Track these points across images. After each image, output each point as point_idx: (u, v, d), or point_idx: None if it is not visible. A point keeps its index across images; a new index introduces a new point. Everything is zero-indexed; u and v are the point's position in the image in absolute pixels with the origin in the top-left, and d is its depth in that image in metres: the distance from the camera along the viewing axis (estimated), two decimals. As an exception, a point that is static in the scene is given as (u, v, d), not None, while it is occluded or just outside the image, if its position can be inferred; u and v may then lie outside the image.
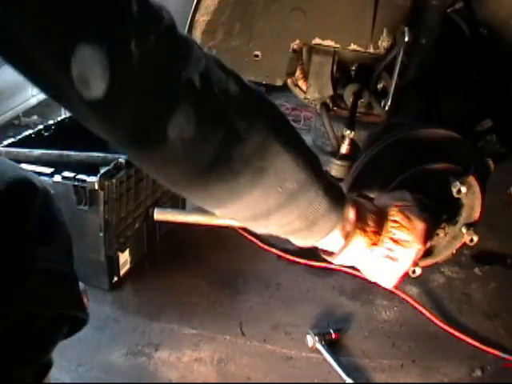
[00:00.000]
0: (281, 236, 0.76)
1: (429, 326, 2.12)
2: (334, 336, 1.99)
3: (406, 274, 0.90)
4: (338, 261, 0.90)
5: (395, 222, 0.82)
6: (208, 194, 0.66)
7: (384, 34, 1.69)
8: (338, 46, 1.73)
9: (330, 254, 0.90)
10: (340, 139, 1.69)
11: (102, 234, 2.01)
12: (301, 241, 0.80)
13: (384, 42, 1.70)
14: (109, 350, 1.94)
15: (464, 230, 1.36)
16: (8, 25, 0.52)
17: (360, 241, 0.82)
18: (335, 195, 0.75)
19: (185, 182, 0.66)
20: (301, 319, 2.14)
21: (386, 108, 1.70)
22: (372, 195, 1.18)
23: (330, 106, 1.98)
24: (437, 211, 1.22)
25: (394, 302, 2.26)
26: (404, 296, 2.27)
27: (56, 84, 0.58)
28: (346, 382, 1.80)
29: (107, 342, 1.96)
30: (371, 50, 1.71)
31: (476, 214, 1.39)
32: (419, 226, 0.84)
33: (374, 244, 0.82)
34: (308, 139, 4.32)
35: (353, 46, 1.71)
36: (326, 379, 1.85)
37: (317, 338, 1.95)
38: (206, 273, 2.43)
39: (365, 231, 0.81)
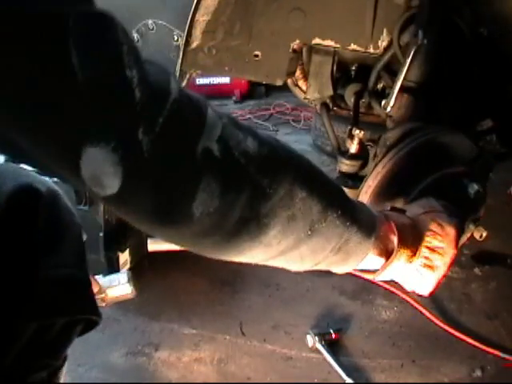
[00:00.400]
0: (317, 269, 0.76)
1: (429, 326, 2.12)
2: (334, 336, 1.99)
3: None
4: (380, 278, 0.87)
5: (430, 231, 0.85)
6: (241, 252, 0.69)
7: (384, 34, 1.69)
8: (338, 45, 1.72)
9: (371, 271, 0.87)
10: (347, 138, 1.68)
11: (101, 234, 2.01)
12: (338, 270, 0.80)
13: (384, 42, 1.70)
14: (109, 349, 1.94)
15: (472, 227, 1.36)
16: (12, 139, 0.50)
17: (402, 256, 0.83)
18: (365, 221, 0.75)
19: (218, 249, 0.71)
20: (301, 319, 2.14)
21: (387, 108, 1.70)
22: (398, 205, 1.18)
23: (330, 106, 1.98)
24: (461, 215, 1.23)
25: (394, 302, 2.26)
26: (404, 296, 2.27)
27: (73, 183, 0.57)
28: (346, 382, 1.80)
29: (107, 342, 1.96)
30: (371, 49, 1.71)
31: (481, 211, 1.40)
32: (451, 232, 0.87)
33: (413, 256, 0.85)
34: (308, 139, 4.32)
35: (353, 46, 1.71)
36: (325, 379, 1.85)
37: (317, 338, 1.95)
38: (206, 272, 2.43)
39: (405, 246, 0.82)
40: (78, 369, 1.85)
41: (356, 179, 1.60)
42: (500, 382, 1.87)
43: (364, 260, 0.77)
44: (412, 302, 2.24)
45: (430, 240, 0.86)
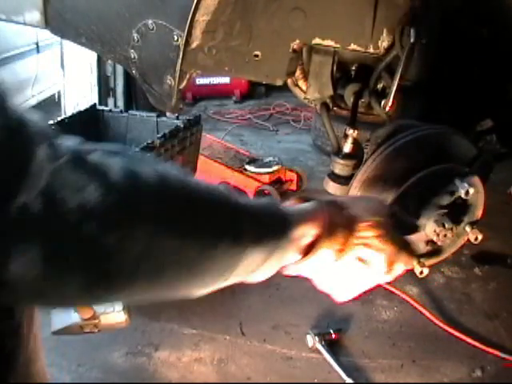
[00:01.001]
0: None
1: (429, 326, 2.12)
2: (334, 336, 1.99)
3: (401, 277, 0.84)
4: (291, 271, 0.75)
5: (362, 238, 0.74)
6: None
7: (384, 34, 1.69)
8: (338, 45, 1.72)
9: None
10: (342, 138, 1.69)
11: (101, 234, 2.01)
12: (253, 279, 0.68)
13: (384, 42, 1.70)
14: (109, 349, 1.94)
15: (468, 229, 1.36)
16: None
17: (324, 253, 0.72)
18: (270, 231, 0.64)
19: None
20: (301, 319, 2.14)
21: (387, 108, 1.70)
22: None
23: (330, 106, 1.98)
24: (415, 225, 1.23)
25: (394, 302, 2.26)
26: (404, 296, 2.28)
27: None
28: (346, 381, 1.80)
29: (107, 342, 1.96)
30: (371, 49, 1.71)
31: (479, 213, 1.39)
32: (387, 249, 0.75)
33: (342, 251, 0.73)
34: (308, 139, 4.33)
35: (353, 46, 1.71)
36: (325, 379, 1.85)
37: (317, 338, 1.95)
38: (206, 273, 2.43)
39: (330, 244, 0.72)
40: (78, 369, 1.85)
41: (349, 178, 1.60)
42: (500, 382, 1.87)
43: (280, 264, 0.69)
44: (412, 302, 2.24)
45: (359, 248, 0.74)
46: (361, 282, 0.79)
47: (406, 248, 0.78)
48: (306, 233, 0.70)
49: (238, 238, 0.58)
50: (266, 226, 0.64)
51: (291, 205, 0.75)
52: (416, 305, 2.22)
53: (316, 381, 1.85)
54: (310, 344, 1.97)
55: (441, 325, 2.10)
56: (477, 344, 1.99)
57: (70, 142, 0.52)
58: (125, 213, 0.49)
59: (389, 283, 2.35)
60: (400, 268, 0.78)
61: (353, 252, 0.74)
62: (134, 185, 0.51)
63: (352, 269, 0.75)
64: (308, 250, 0.71)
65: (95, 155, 0.50)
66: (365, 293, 0.82)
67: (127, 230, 0.49)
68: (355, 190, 1.39)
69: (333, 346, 1.96)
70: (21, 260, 0.45)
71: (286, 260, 0.69)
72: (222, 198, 0.59)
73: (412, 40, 1.52)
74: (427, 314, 2.17)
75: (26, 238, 0.45)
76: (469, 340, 2.01)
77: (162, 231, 0.52)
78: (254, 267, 0.63)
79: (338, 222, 0.72)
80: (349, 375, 1.81)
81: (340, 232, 0.72)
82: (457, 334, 2.05)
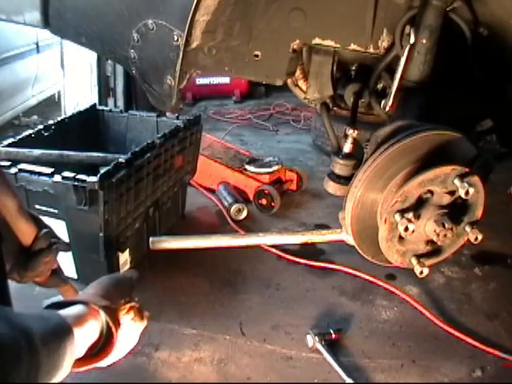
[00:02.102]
0: None
1: (429, 326, 2.12)
2: (334, 336, 1.99)
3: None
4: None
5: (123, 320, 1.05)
6: None
7: (384, 34, 1.69)
8: (338, 45, 1.73)
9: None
10: (342, 138, 1.69)
11: (101, 234, 2.01)
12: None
13: (384, 42, 1.70)
14: (109, 350, 1.94)
15: (468, 229, 1.36)
16: None
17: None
18: (56, 343, 0.83)
19: None
20: (301, 319, 2.14)
21: (387, 108, 1.70)
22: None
23: (330, 106, 1.98)
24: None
25: (394, 302, 2.26)
26: (404, 296, 2.28)
27: None
28: (346, 381, 1.80)
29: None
30: (371, 49, 1.71)
31: (479, 213, 1.40)
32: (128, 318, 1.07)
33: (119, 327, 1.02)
34: (308, 139, 4.33)
35: (353, 46, 1.71)
36: (325, 379, 1.85)
37: (317, 338, 1.95)
38: (206, 273, 2.43)
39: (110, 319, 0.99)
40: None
41: (349, 177, 1.60)
42: (500, 382, 1.87)
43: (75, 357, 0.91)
44: (412, 302, 2.24)
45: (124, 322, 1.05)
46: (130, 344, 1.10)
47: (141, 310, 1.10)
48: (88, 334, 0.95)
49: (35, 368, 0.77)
50: (56, 349, 0.84)
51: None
52: (416, 305, 2.22)
53: (316, 381, 1.85)
54: (310, 344, 1.97)
55: (441, 325, 2.10)
56: (477, 344, 1.99)
57: None
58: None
59: (389, 283, 2.35)
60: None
61: (124, 327, 1.04)
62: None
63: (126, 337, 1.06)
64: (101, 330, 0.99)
65: None
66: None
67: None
68: (356, 189, 1.39)
69: (333, 346, 1.96)
70: None
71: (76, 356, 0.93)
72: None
73: (412, 40, 1.52)
74: (427, 313, 2.17)
75: None
76: (469, 340, 2.01)
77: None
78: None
79: (111, 319, 0.99)
80: (349, 375, 1.81)
81: (113, 323, 0.99)
82: (457, 333, 2.05)
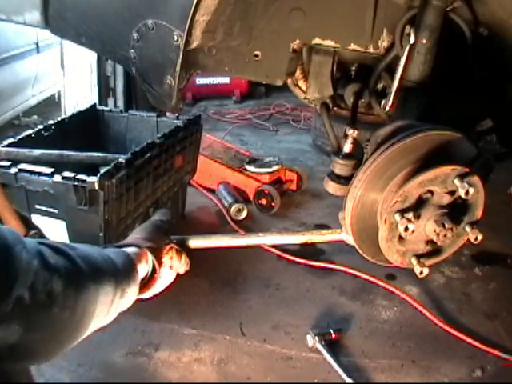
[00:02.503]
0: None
1: (429, 326, 2.12)
2: (334, 336, 1.99)
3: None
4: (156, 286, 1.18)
5: (165, 260, 1.21)
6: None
7: (384, 34, 1.69)
8: (338, 45, 1.72)
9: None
10: (342, 138, 1.69)
11: (101, 234, 2.01)
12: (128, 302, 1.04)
13: (384, 42, 1.70)
14: (109, 349, 1.94)
15: (468, 229, 1.36)
16: None
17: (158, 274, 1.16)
18: (126, 272, 1.00)
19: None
20: (301, 319, 2.14)
21: (387, 108, 1.70)
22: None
23: (330, 106, 1.98)
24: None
25: (394, 302, 2.26)
26: (404, 296, 2.28)
27: None
28: (346, 381, 1.80)
29: (107, 342, 1.96)
30: (371, 49, 1.71)
31: (479, 213, 1.39)
32: (175, 259, 1.24)
33: (160, 266, 1.18)
34: (308, 139, 4.33)
35: (353, 46, 1.71)
36: (325, 379, 1.85)
37: (317, 338, 1.95)
38: (207, 273, 2.43)
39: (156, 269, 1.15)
40: (78, 369, 1.85)
41: (348, 178, 1.60)
42: (500, 382, 1.87)
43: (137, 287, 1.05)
44: (412, 301, 2.24)
45: (165, 262, 1.21)
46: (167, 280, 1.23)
47: (180, 251, 1.26)
48: (143, 261, 1.11)
49: (121, 288, 0.95)
50: (127, 271, 1.01)
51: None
52: (416, 305, 2.22)
53: (316, 381, 1.85)
54: (310, 344, 1.97)
55: (441, 325, 2.10)
56: (477, 344, 1.99)
57: (32, 245, 0.76)
58: (77, 292, 0.80)
59: (389, 283, 2.35)
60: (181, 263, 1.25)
61: (163, 265, 1.20)
62: (77, 275, 0.82)
63: (163, 274, 1.20)
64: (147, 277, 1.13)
65: (52, 258, 0.78)
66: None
67: (75, 297, 0.80)
68: (355, 189, 1.39)
69: (333, 346, 1.96)
70: (2, 334, 0.69)
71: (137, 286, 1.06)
72: (111, 267, 0.94)
73: (412, 40, 1.52)
74: (427, 314, 2.17)
75: (16, 320, 0.70)
76: (469, 340, 2.01)
77: (94, 296, 0.85)
78: (132, 293, 1.01)
79: (156, 258, 1.15)
80: (349, 375, 1.81)
81: (157, 262, 1.15)
82: (457, 334, 2.05)
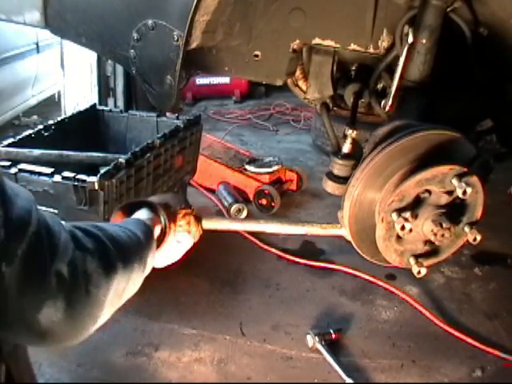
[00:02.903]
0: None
1: (429, 326, 2.12)
2: (334, 336, 1.99)
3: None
4: (163, 248, 1.16)
5: (181, 223, 1.22)
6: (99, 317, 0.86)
7: (384, 34, 1.69)
8: (338, 45, 1.73)
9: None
10: (341, 139, 1.69)
11: (101, 234, 2.01)
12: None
13: (384, 42, 1.70)
14: (109, 350, 1.94)
15: (467, 230, 1.36)
16: None
17: (169, 230, 1.16)
18: (148, 240, 1.04)
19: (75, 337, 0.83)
20: (301, 319, 2.14)
21: (387, 108, 1.70)
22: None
23: (330, 106, 1.98)
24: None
25: (394, 302, 2.26)
26: (404, 296, 2.28)
27: None
28: (346, 381, 1.80)
29: (107, 342, 1.96)
30: (371, 49, 1.71)
31: (478, 213, 1.39)
32: (192, 224, 1.25)
33: (174, 225, 1.19)
34: (308, 139, 4.33)
35: (353, 46, 1.71)
36: (325, 379, 1.85)
37: (317, 338, 1.95)
38: (206, 273, 2.43)
39: (170, 231, 1.16)
40: (77, 369, 1.85)
41: (347, 177, 1.60)
42: (500, 382, 1.87)
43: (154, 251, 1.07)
44: (412, 302, 2.24)
45: (180, 227, 1.22)
46: (185, 245, 1.25)
47: (199, 219, 1.27)
48: (157, 230, 1.11)
49: (144, 261, 0.99)
50: (149, 242, 1.04)
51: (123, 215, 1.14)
52: (416, 305, 2.22)
53: (316, 381, 1.85)
54: (310, 344, 1.97)
55: (441, 325, 2.10)
56: (477, 344, 1.99)
57: (68, 227, 0.81)
58: (107, 271, 0.83)
59: (389, 283, 2.35)
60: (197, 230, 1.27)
61: (180, 229, 1.22)
62: (107, 256, 0.85)
63: (181, 238, 1.23)
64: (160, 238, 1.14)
65: (84, 240, 0.82)
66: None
67: (108, 276, 0.83)
68: (353, 188, 1.39)
69: (333, 346, 1.96)
70: (48, 311, 0.72)
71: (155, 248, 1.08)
72: (135, 242, 0.98)
73: (410, 40, 1.52)
74: (427, 314, 2.17)
75: (58, 293, 0.72)
76: (469, 340, 2.01)
77: (122, 273, 0.88)
78: (150, 262, 1.03)
79: (168, 217, 1.15)
80: (349, 375, 1.81)
81: (171, 222, 1.16)
82: (457, 334, 2.05)
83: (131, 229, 1.00)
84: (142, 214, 1.11)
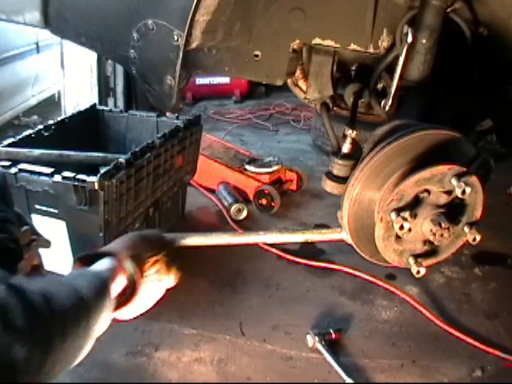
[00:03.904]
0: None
1: (429, 326, 2.12)
2: (334, 336, 1.99)
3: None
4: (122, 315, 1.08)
5: (150, 274, 1.10)
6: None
7: (384, 34, 1.69)
8: (338, 45, 1.73)
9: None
10: (341, 139, 1.69)
11: (101, 234, 2.01)
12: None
13: (384, 42, 1.70)
14: (109, 350, 1.94)
15: (466, 230, 1.36)
16: None
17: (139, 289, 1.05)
18: (101, 297, 0.94)
19: None
20: (301, 319, 2.14)
21: (386, 108, 1.70)
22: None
23: (330, 106, 1.98)
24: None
25: (394, 302, 2.26)
26: (404, 296, 2.28)
27: None
28: (346, 381, 1.80)
29: (107, 342, 1.96)
30: (371, 49, 1.71)
31: (478, 213, 1.39)
32: (162, 271, 1.14)
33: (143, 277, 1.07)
34: (308, 139, 4.33)
35: (353, 46, 1.72)
36: (325, 379, 1.85)
37: (317, 338, 1.95)
38: (206, 272, 2.43)
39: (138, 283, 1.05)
40: (78, 369, 1.85)
41: (346, 177, 1.61)
42: (500, 382, 1.87)
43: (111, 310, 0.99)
44: (412, 302, 2.24)
45: (150, 274, 1.10)
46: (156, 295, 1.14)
47: (172, 262, 1.17)
48: (120, 281, 1.00)
49: (93, 323, 0.94)
50: (101, 300, 0.93)
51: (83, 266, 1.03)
52: (416, 305, 2.22)
53: (316, 381, 1.85)
54: (310, 344, 1.97)
55: (441, 325, 2.10)
56: (477, 344, 1.99)
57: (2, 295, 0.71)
58: (41, 354, 0.75)
59: (389, 283, 2.35)
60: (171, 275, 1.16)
61: (149, 279, 1.09)
62: (42, 332, 0.75)
63: (151, 288, 1.10)
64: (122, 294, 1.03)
65: (15, 314, 0.70)
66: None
67: (46, 362, 0.76)
68: (352, 187, 1.39)
69: (333, 346, 1.96)
70: None
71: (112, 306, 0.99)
72: (82, 305, 0.87)
73: (410, 40, 1.52)
74: (427, 314, 2.17)
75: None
76: (469, 340, 2.01)
77: (59, 336, 0.80)
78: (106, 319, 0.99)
79: (136, 267, 1.04)
80: (349, 375, 1.81)
81: (138, 273, 1.04)
82: (457, 333, 2.05)
83: (76, 285, 0.88)
84: (102, 265, 1.00)
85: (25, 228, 1.14)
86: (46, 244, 1.25)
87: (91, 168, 2.13)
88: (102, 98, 3.84)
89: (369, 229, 1.41)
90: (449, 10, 1.58)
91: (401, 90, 1.66)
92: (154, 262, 1.10)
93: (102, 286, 0.94)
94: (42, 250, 1.24)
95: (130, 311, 1.07)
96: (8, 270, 0.81)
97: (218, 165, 3.24)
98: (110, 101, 3.89)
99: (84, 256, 1.04)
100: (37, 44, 4.31)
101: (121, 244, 1.10)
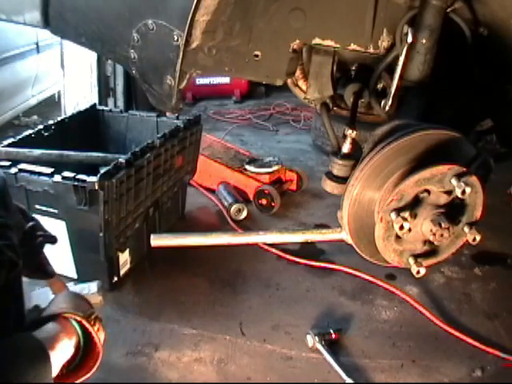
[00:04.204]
0: None
1: (429, 326, 2.12)
2: (334, 336, 1.99)
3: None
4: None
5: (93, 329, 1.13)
6: None
7: (384, 34, 1.69)
8: (338, 46, 1.73)
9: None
10: (341, 139, 1.69)
11: (101, 234, 2.01)
12: None
13: (384, 42, 1.70)
14: (109, 350, 1.94)
15: (466, 230, 1.36)
16: None
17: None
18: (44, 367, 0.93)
19: None
20: (301, 319, 2.14)
21: (386, 108, 1.70)
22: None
23: (330, 106, 1.98)
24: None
25: (394, 302, 2.26)
26: (404, 296, 2.27)
27: None
28: (346, 381, 1.80)
29: (107, 342, 1.95)
30: (371, 49, 1.72)
31: (478, 213, 1.39)
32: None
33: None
34: (308, 139, 4.33)
35: (353, 46, 1.72)
36: (325, 379, 1.85)
37: (317, 338, 1.95)
38: (206, 273, 2.43)
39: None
40: (77, 369, 1.84)
41: (346, 177, 1.61)
42: (500, 382, 1.87)
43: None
44: (412, 302, 2.24)
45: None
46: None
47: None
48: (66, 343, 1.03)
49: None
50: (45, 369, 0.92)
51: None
52: (416, 305, 2.22)
53: (316, 381, 1.85)
54: (310, 344, 1.97)
55: (441, 325, 2.10)
56: (477, 344, 1.99)
57: None
58: None
59: (389, 283, 2.35)
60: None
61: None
62: None
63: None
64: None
65: None
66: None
67: None
68: (352, 187, 1.39)
69: (333, 346, 1.96)
70: None
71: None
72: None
73: (409, 39, 1.52)
74: (427, 314, 2.17)
75: None
76: (469, 340, 2.01)
77: None
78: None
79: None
80: (349, 375, 1.81)
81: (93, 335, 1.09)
82: (457, 333, 2.05)
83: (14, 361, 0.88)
84: (44, 331, 1.02)
85: (30, 224, 1.14)
86: (52, 240, 1.25)
87: (91, 168, 2.13)
88: (102, 98, 3.84)
89: (369, 229, 1.41)
90: (449, 9, 1.58)
91: (401, 90, 1.66)
92: (94, 320, 1.14)
93: (44, 358, 0.94)
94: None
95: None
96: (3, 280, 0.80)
97: (218, 165, 3.24)
98: (110, 101, 3.89)
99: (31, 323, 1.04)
100: (37, 44, 4.31)
101: (63, 303, 1.12)
